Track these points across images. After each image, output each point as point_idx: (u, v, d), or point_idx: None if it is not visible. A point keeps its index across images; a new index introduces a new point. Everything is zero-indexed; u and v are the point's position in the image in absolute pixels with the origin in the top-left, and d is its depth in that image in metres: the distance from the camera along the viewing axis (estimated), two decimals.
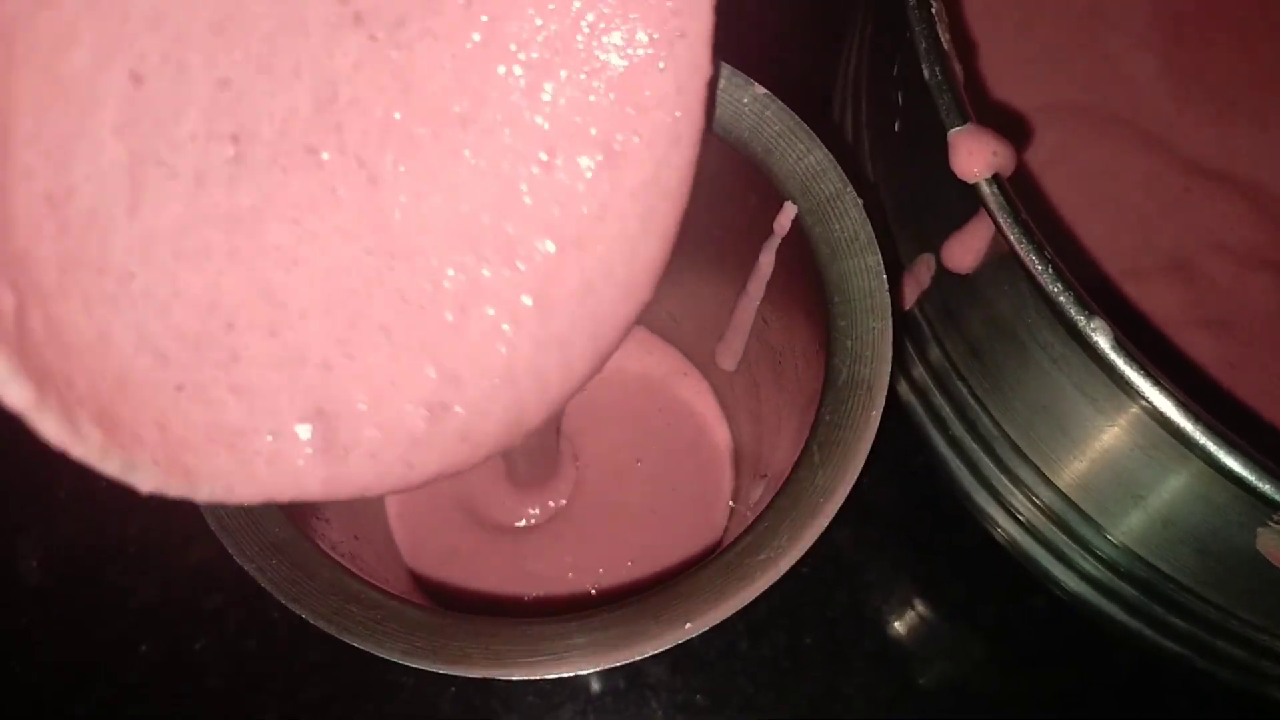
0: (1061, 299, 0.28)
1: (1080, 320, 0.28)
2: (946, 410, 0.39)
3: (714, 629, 0.45)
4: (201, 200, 0.24)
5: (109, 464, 0.22)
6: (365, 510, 0.40)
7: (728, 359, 0.41)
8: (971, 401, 0.38)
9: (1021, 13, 0.47)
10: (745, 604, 0.28)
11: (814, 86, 0.46)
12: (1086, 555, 0.37)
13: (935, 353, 0.38)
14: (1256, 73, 0.47)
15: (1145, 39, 0.47)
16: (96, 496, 0.48)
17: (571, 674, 0.27)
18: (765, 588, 0.28)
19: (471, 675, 0.27)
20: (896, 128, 0.38)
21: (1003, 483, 0.38)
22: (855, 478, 0.29)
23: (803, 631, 0.46)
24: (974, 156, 0.30)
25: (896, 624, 0.46)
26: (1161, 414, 0.28)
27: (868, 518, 0.48)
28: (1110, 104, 0.46)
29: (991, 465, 0.38)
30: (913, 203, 0.38)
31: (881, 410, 0.29)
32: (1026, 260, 0.29)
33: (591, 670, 0.27)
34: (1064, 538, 0.38)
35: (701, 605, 0.28)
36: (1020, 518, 0.39)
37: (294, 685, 0.45)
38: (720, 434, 0.44)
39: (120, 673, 0.45)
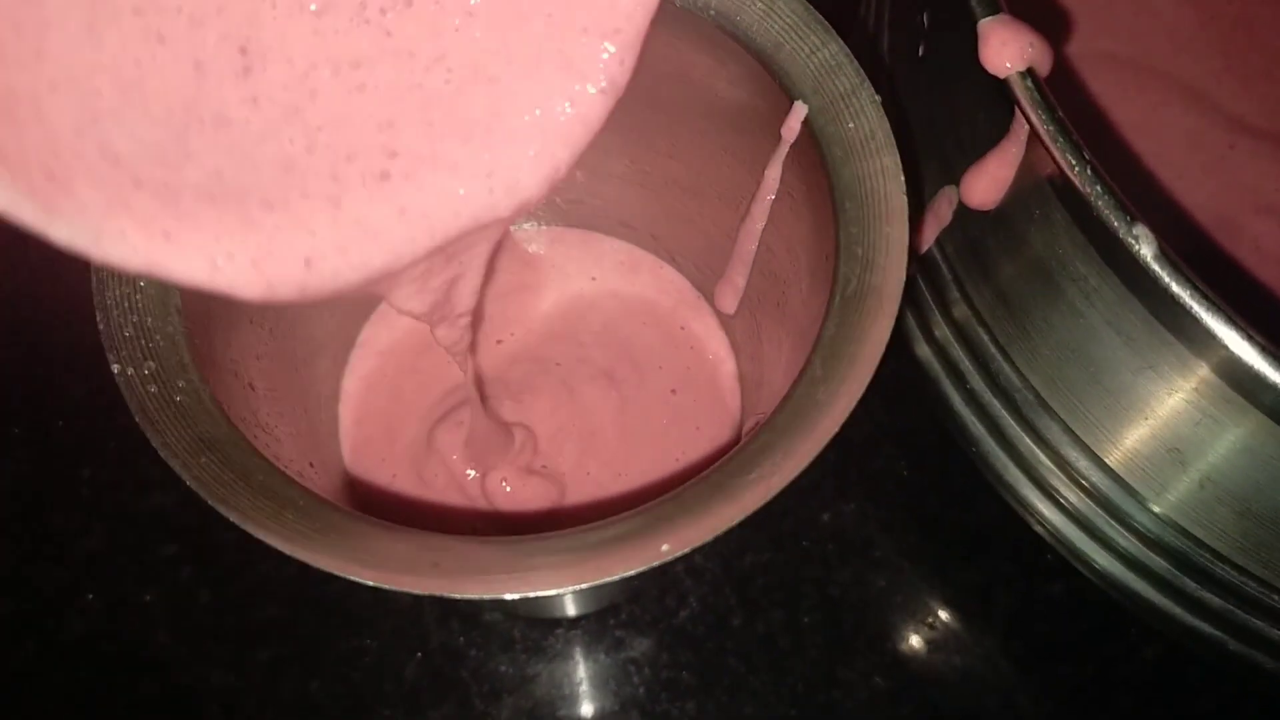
0: (1100, 202, 0.25)
1: (1121, 227, 0.25)
2: (967, 363, 0.36)
3: (705, 604, 0.42)
4: None
5: None
6: (322, 437, 0.37)
7: (729, 298, 0.38)
8: (994, 350, 0.34)
9: None
10: (729, 526, 0.24)
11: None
12: (1113, 522, 0.34)
13: (956, 298, 0.35)
14: None
15: None
16: (50, 436, 0.45)
17: (526, 595, 0.24)
18: (753, 509, 0.24)
19: (417, 591, 0.24)
20: (920, 53, 0.35)
21: (1024, 442, 0.35)
22: (860, 392, 0.25)
23: (801, 610, 0.42)
24: (1007, 47, 0.27)
25: (902, 607, 0.43)
26: (1211, 340, 0.25)
27: (876, 493, 0.44)
28: (1151, 56, 0.43)
29: (1013, 421, 0.35)
30: (935, 132, 0.35)
31: (893, 320, 0.26)
32: (1062, 160, 0.26)
33: (551, 592, 0.24)
34: (1090, 503, 0.34)
35: (681, 526, 0.24)
36: (1043, 481, 0.35)
37: (246, 644, 0.42)
38: (728, 365, 0.40)
39: (63, 623, 0.42)
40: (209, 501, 0.24)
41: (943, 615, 0.42)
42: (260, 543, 0.43)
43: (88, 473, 0.45)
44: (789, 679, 0.41)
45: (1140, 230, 0.25)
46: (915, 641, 0.42)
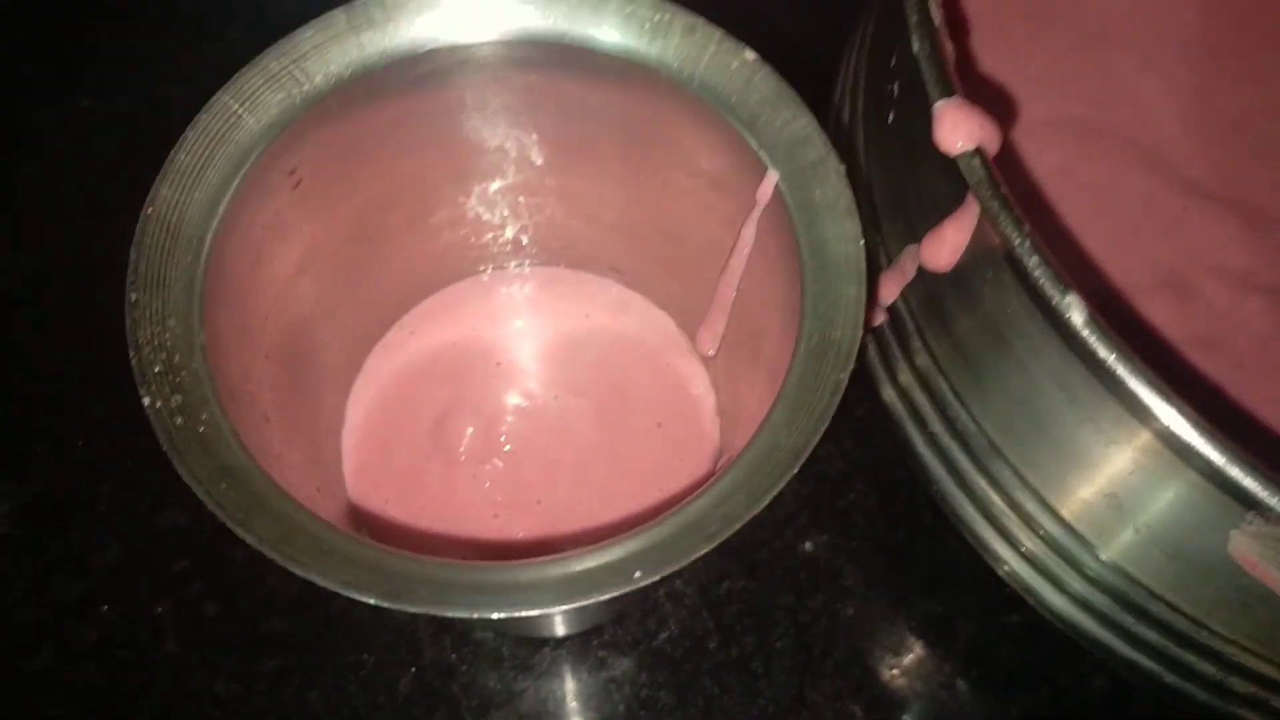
0: (1037, 273, 0.28)
1: (1055, 296, 0.28)
2: (928, 408, 0.38)
3: (683, 628, 0.45)
4: None
5: None
6: (327, 464, 0.40)
7: (709, 341, 0.41)
8: (951, 397, 0.37)
9: (1029, 28, 0.47)
10: (697, 555, 0.27)
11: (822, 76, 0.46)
12: (1061, 561, 0.36)
13: (918, 347, 0.37)
14: (1262, 98, 0.46)
15: (1152, 60, 0.47)
16: (73, 452, 0.48)
17: (514, 615, 0.26)
18: (719, 541, 0.27)
19: (414, 610, 0.26)
20: (890, 119, 0.38)
21: (978, 482, 0.37)
22: (817, 438, 0.28)
23: (773, 635, 0.45)
24: (958, 129, 0.30)
25: (869, 634, 0.45)
26: (1130, 394, 0.27)
27: (847, 526, 0.47)
28: (1113, 121, 0.45)
29: (968, 463, 0.37)
30: (901, 195, 0.37)
31: (849, 373, 0.29)
32: (1002, 233, 0.29)
33: (536, 613, 0.26)
34: (1039, 541, 0.36)
35: (654, 556, 0.27)
36: (996, 521, 0.38)
37: (251, 655, 0.44)
38: (709, 401, 0.43)
39: (77, 632, 0.45)
40: (228, 524, 0.27)
41: (907, 642, 0.45)
42: (266, 560, 0.45)
43: (106, 489, 0.47)
44: (760, 700, 0.44)
45: (1071, 299, 0.28)
46: (880, 667, 0.45)
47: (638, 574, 0.27)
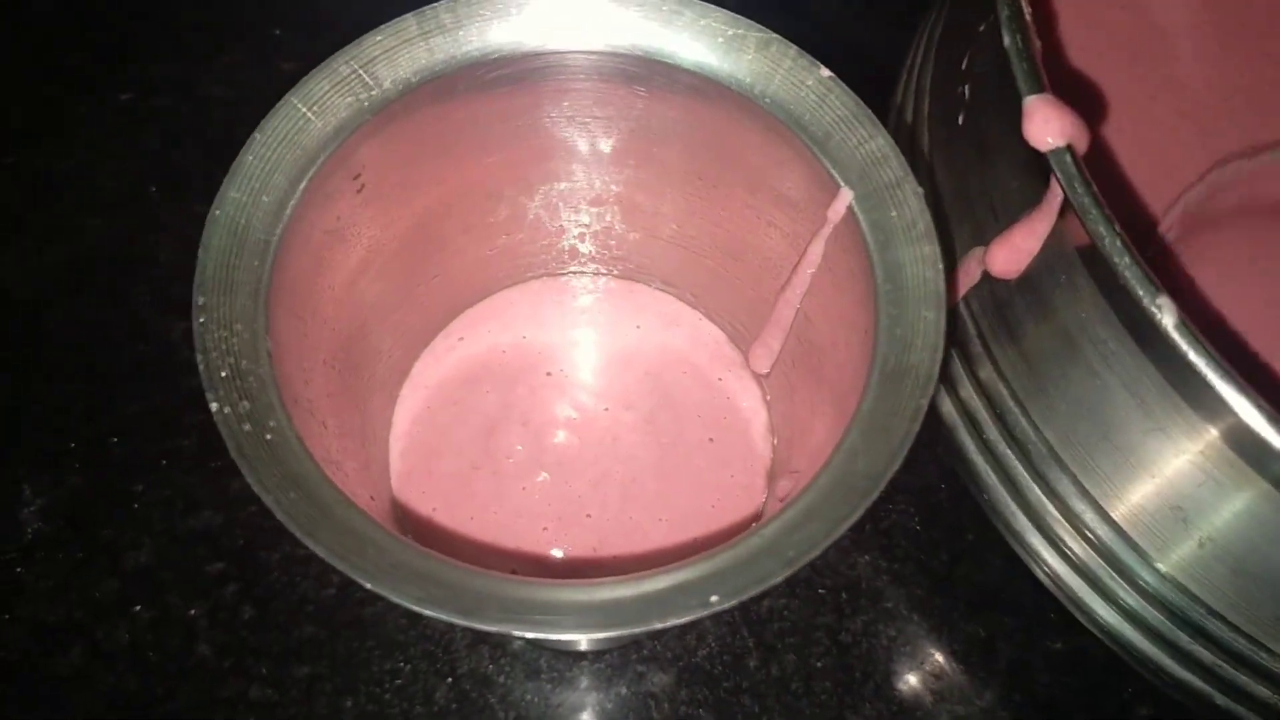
0: (1127, 274, 0.27)
1: (1145, 297, 0.27)
2: (983, 412, 0.38)
3: (723, 644, 0.45)
4: None
5: None
6: (376, 471, 0.39)
7: (763, 360, 0.40)
8: (1011, 403, 0.36)
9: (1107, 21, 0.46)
10: (774, 584, 0.26)
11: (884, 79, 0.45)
12: (1115, 574, 0.36)
13: (977, 350, 0.37)
14: None
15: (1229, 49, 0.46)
16: (107, 450, 0.47)
17: (592, 635, 0.26)
18: (798, 567, 0.27)
19: (486, 629, 0.26)
20: (960, 121, 0.38)
21: (1034, 492, 0.37)
22: (897, 465, 0.28)
23: (814, 655, 0.45)
24: (1050, 124, 0.29)
25: (911, 657, 0.45)
26: (1222, 407, 0.27)
27: (890, 546, 0.47)
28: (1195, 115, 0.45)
29: (1024, 471, 0.37)
30: (967, 198, 0.37)
31: (929, 398, 0.28)
32: (1093, 232, 0.28)
33: (613, 634, 0.26)
34: (1093, 554, 0.36)
35: (730, 580, 0.27)
36: (1050, 532, 0.37)
37: (285, 661, 0.44)
38: (761, 417, 0.42)
39: (109, 632, 0.44)
40: (298, 536, 0.27)
41: (948, 666, 0.45)
42: (301, 563, 0.45)
43: (140, 489, 0.47)
44: None
45: (1163, 300, 0.27)
46: (921, 690, 0.44)
47: (714, 598, 0.26)
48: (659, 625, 0.26)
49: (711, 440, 0.41)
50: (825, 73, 0.32)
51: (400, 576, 0.27)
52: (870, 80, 0.33)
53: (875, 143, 0.32)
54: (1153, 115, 0.44)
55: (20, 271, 0.52)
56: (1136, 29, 0.46)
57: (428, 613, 0.26)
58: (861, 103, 0.32)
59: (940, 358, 0.29)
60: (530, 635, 0.26)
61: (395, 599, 0.26)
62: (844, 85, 0.32)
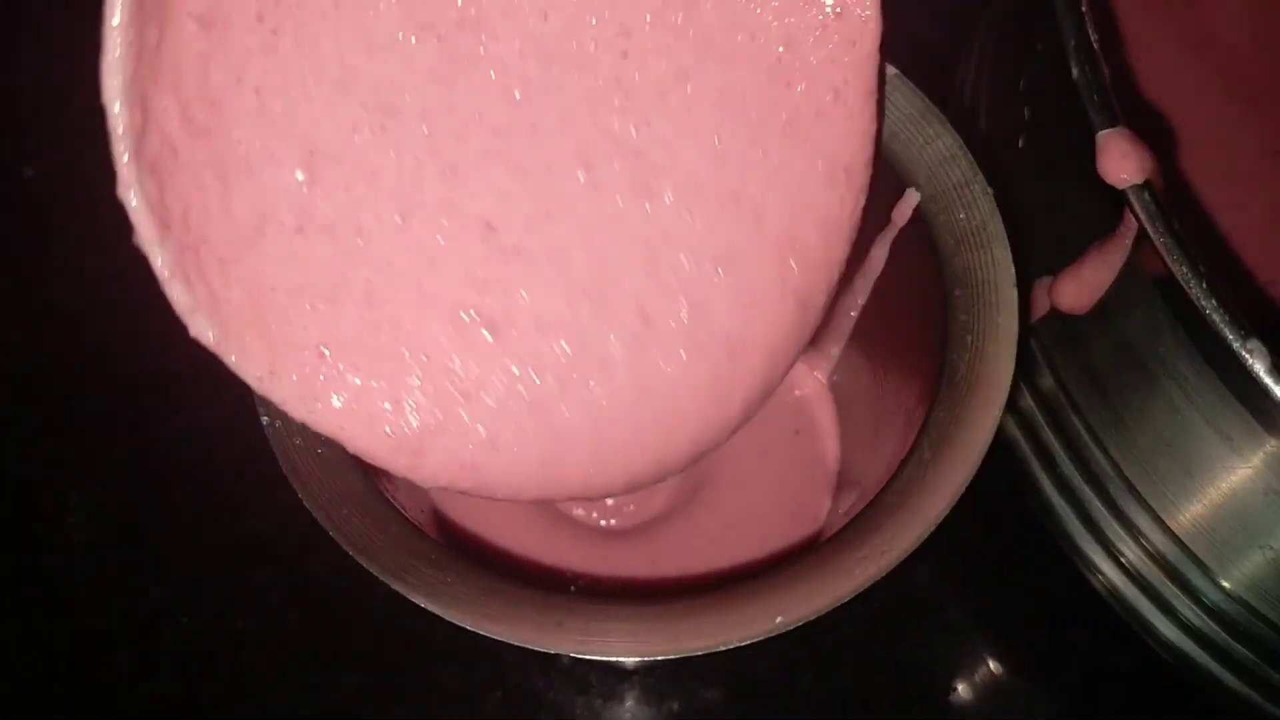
0: (1216, 316, 0.26)
1: (1235, 341, 0.26)
2: (1056, 446, 0.37)
3: (777, 660, 0.43)
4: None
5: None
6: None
7: (821, 368, 0.39)
8: (1086, 438, 0.35)
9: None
10: (841, 602, 0.26)
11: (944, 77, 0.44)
12: (1194, 605, 0.35)
13: (1048, 381, 0.36)
14: None
15: None
16: (153, 458, 0.47)
17: (654, 658, 0.25)
18: (864, 586, 0.26)
19: (544, 650, 0.25)
20: (1021, 144, 0.36)
21: (1111, 525, 0.36)
22: (969, 478, 0.27)
23: (872, 671, 0.43)
24: (1127, 160, 0.28)
25: (972, 672, 0.43)
26: None
27: (951, 556, 0.45)
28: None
29: (1102, 506, 0.35)
30: (1033, 224, 0.36)
31: (1002, 409, 0.27)
32: (1178, 272, 0.27)
33: (675, 655, 0.25)
34: (1171, 586, 0.35)
35: (795, 598, 0.26)
36: (1125, 561, 0.36)
37: (333, 673, 0.43)
38: (828, 428, 0.41)
39: (156, 642, 0.44)
40: (350, 553, 0.26)
41: (1010, 680, 0.43)
42: (349, 573, 0.44)
43: (185, 497, 0.46)
44: None
45: (1254, 345, 0.26)
46: (983, 705, 0.43)
47: (779, 619, 0.26)
48: (722, 646, 0.25)
49: (798, 433, 0.39)
50: (891, 70, 0.31)
51: (454, 595, 0.26)
52: (931, 78, 0.32)
53: (943, 141, 0.31)
54: (1213, 127, 0.43)
55: (64, 280, 0.51)
56: (1196, 46, 0.44)
57: (484, 633, 0.25)
58: (928, 101, 0.31)
59: (1013, 366, 0.28)
60: (591, 657, 0.25)
61: (449, 618, 0.25)
62: (909, 82, 0.31)
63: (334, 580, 0.44)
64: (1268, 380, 0.25)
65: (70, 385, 0.49)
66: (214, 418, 0.48)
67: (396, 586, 0.26)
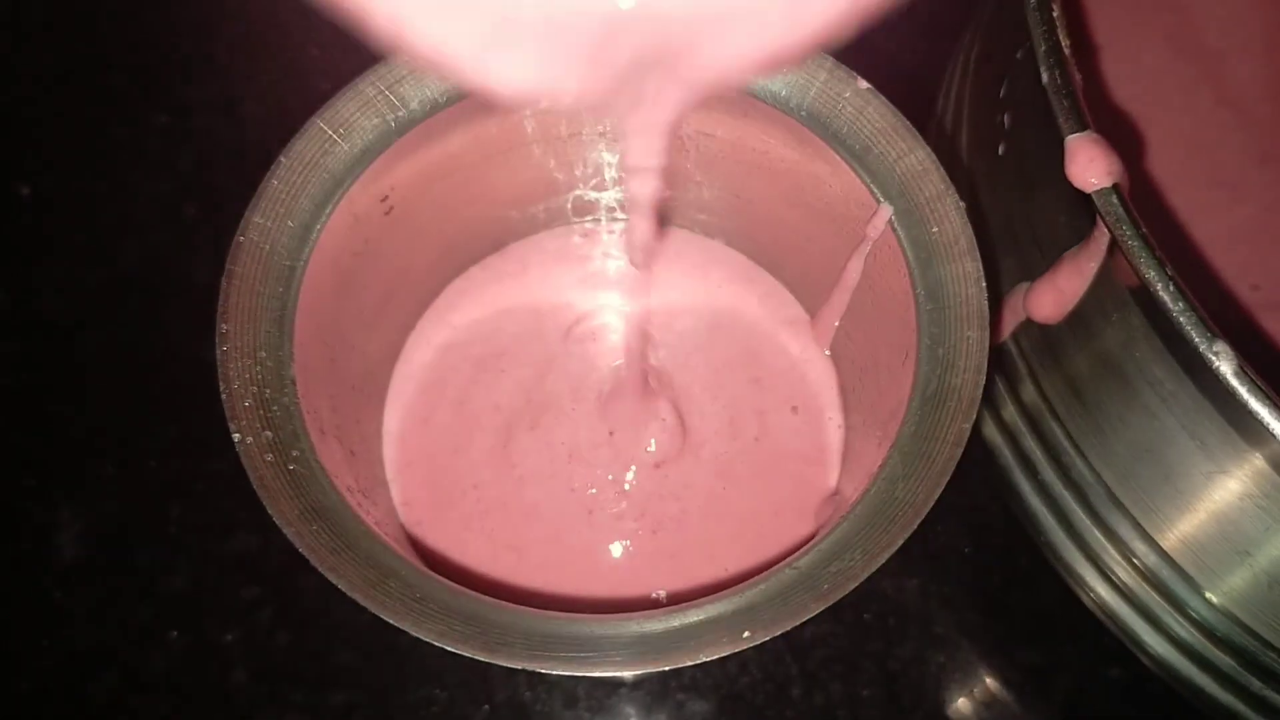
0: (1183, 319, 0.26)
1: (1201, 343, 0.26)
2: (1038, 454, 0.37)
3: (765, 672, 0.43)
4: None
5: None
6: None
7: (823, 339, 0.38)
8: (1067, 445, 0.35)
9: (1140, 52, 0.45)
10: (810, 615, 0.25)
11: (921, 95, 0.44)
12: (1180, 618, 0.35)
13: (1029, 390, 0.36)
14: None
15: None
16: (142, 474, 0.47)
17: (617, 674, 0.25)
18: (833, 600, 0.25)
19: (510, 665, 0.25)
20: (1001, 151, 0.36)
21: (1093, 534, 0.35)
22: (939, 493, 0.27)
23: (860, 683, 0.43)
24: (1094, 164, 0.28)
25: (962, 686, 0.43)
26: None
27: (938, 569, 0.45)
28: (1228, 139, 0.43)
29: (1083, 514, 0.35)
30: (1011, 229, 0.36)
31: (972, 422, 0.27)
32: (1145, 276, 0.27)
33: (640, 672, 0.25)
34: (1156, 597, 0.35)
35: (764, 614, 0.26)
36: (1110, 573, 0.36)
37: (321, 687, 0.43)
38: (831, 399, 0.38)
39: (144, 659, 0.44)
40: (320, 569, 0.26)
41: (1000, 694, 0.43)
42: (338, 590, 0.44)
43: (176, 512, 0.46)
44: None
45: (1220, 347, 0.26)
46: (973, 719, 0.43)
47: (746, 634, 0.25)
48: (688, 663, 0.25)
49: (795, 410, 0.38)
50: (863, 84, 0.31)
51: (424, 611, 0.26)
52: (907, 96, 0.32)
53: (915, 156, 0.31)
54: (1200, 142, 0.42)
55: (56, 294, 0.52)
56: (1183, 51, 0.44)
57: (451, 648, 0.25)
58: (901, 115, 0.31)
59: (983, 380, 0.28)
60: (556, 673, 0.25)
61: (418, 634, 0.25)
62: (883, 97, 0.31)
63: (322, 597, 0.44)
64: (1234, 382, 0.25)
65: (60, 401, 0.49)
66: (204, 432, 0.48)
67: (365, 603, 0.26)
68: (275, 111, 0.55)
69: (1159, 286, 0.26)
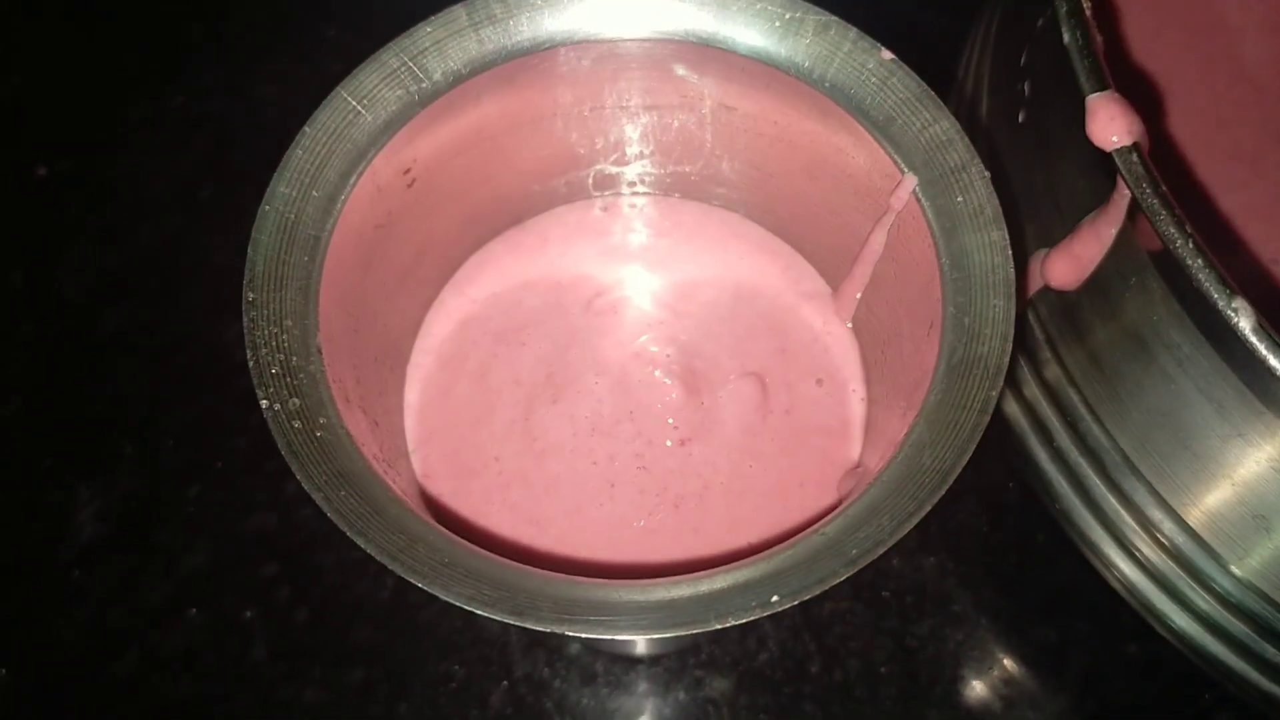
0: (1201, 276, 0.26)
1: (1220, 300, 0.26)
2: (1054, 421, 0.37)
3: (784, 649, 0.43)
4: None
5: None
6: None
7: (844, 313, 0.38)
8: (1083, 411, 0.35)
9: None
10: (837, 581, 0.25)
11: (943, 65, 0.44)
12: (1197, 586, 0.35)
13: (1046, 356, 0.36)
14: None
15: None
16: (162, 453, 0.47)
17: (647, 637, 0.25)
18: (861, 565, 0.25)
19: (538, 628, 0.25)
20: (1021, 119, 0.36)
21: (1109, 502, 0.35)
22: (966, 459, 0.27)
23: (878, 660, 0.43)
24: (1115, 122, 0.28)
25: (979, 663, 0.43)
26: None
27: (956, 548, 0.45)
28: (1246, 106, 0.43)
29: (1099, 481, 0.35)
30: (1032, 197, 0.36)
31: (999, 390, 0.27)
32: (1164, 234, 0.27)
33: (670, 635, 0.25)
34: (1170, 563, 0.35)
35: (792, 579, 0.26)
36: (1125, 542, 0.36)
37: (340, 665, 0.43)
38: (853, 372, 0.37)
39: (164, 636, 0.44)
40: (349, 534, 0.26)
41: (1018, 671, 0.43)
42: (356, 566, 0.45)
43: (195, 492, 0.47)
44: None
45: (1239, 304, 0.26)
46: (990, 696, 0.43)
47: (774, 598, 0.25)
48: (717, 626, 0.25)
49: (820, 382, 0.38)
50: (887, 55, 0.31)
51: (452, 576, 0.26)
52: (929, 66, 0.32)
53: (939, 126, 0.31)
54: (1219, 118, 0.42)
55: (74, 275, 0.52)
56: (1203, 28, 0.44)
57: (480, 612, 0.25)
58: (925, 85, 0.31)
59: (1010, 347, 0.28)
60: (584, 636, 0.25)
61: (447, 598, 0.25)
62: (907, 68, 0.31)
63: (341, 574, 0.45)
64: (1253, 339, 0.25)
65: (78, 381, 0.49)
66: (222, 411, 0.48)
67: (394, 567, 0.26)
68: (290, 93, 0.55)
69: (1178, 243, 0.27)
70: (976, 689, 0.43)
